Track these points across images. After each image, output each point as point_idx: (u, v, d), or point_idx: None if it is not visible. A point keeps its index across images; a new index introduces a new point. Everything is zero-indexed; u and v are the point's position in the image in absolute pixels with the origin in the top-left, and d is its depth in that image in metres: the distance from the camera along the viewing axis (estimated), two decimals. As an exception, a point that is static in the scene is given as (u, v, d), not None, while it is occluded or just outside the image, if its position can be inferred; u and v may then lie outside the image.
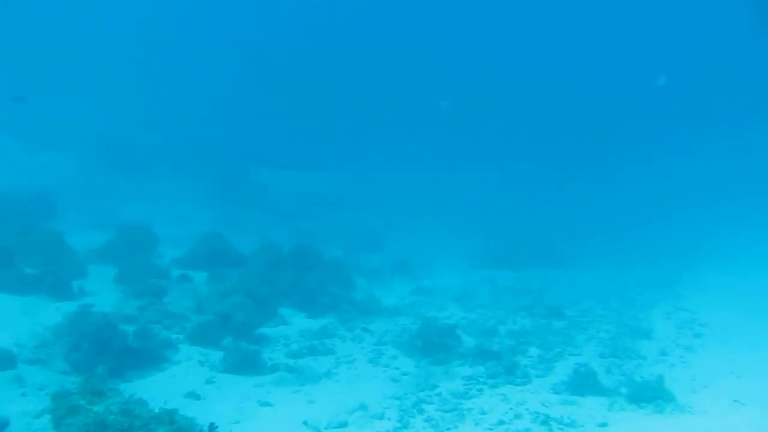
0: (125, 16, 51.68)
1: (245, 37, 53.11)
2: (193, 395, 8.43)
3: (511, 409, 8.31)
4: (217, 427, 5.74)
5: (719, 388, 8.70)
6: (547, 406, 8.35)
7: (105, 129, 35.28)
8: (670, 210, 27.64)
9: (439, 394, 8.84)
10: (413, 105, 46.63)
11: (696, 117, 41.22)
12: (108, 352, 8.92)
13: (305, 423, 7.79)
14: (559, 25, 50.43)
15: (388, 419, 7.97)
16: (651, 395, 8.11)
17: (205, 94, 47.60)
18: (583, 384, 8.79)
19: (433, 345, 10.67)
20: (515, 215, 27.56)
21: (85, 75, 44.85)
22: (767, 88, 40.59)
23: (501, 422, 7.88)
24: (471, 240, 23.53)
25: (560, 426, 7.73)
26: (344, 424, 7.80)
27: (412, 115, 46.03)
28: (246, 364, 9.63)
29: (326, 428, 7.71)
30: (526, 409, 8.27)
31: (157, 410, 5.83)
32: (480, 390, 9.04)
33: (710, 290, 15.56)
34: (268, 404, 8.36)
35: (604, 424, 7.74)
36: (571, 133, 42.15)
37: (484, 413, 8.17)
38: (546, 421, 7.85)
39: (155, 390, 8.49)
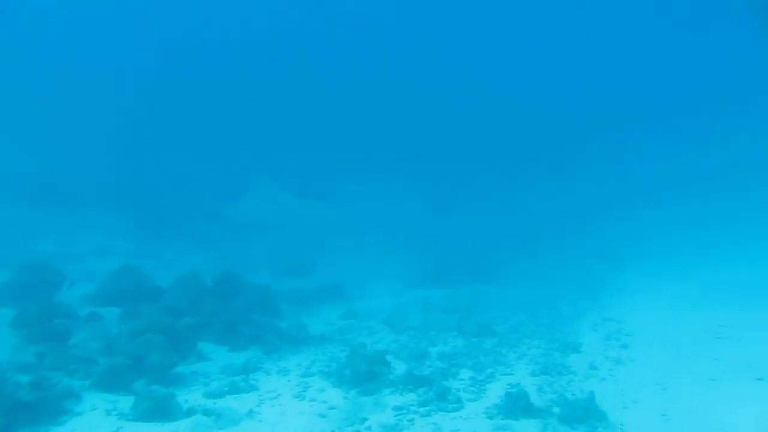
0: (44, 40, 49.23)
1: (161, 56, 51.58)
2: (96, 451, 7.61)
3: (443, 439, 7.94)
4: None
5: (648, 402, 8.65)
6: (480, 433, 8.03)
7: (21, 161, 33.18)
8: (595, 218, 28.45)
9: (368, 428, 8.37)
10: (347, 125, 46.48)
11: (619, 126, 43.00)
12: (-4, 409, 7.96)
13: (222, 473, 7.14)
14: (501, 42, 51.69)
15: (314, 461, 7.42)
16: (583, 414, 7.94)
17: (125, 119, 45.75)
18: (515, 406, 8.54)
19: (362, 374, 10.20)
20: (444, 234, 27.61)
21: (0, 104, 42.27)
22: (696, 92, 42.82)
23: (433, 455, 7.48)
24: (402, 260, 23.30)
25: (494, 454, 7.41)
26: (266, 471, 7.19)
27: (343, 138, 45.79)
28: (159, 409, 8.82)
29: (246, 477, 7.09)
30: (459, 439, 7.93)
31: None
32: (411, 420, 8.63)
33: (634, 297, 15.87)
34: (182, 454, 7.64)
35: (538, 449, 7.48)
36: (498, 144, 43.02)
37: (415, 446, 7.76)
38: (479, 449, 7.52)
39: (52, 449, 7.62)
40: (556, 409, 8.56)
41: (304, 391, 10.04)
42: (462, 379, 10.40)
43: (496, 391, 9.59)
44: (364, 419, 8.66)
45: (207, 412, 8.86)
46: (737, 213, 24.87)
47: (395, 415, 8.84)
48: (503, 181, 37.45)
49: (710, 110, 41.52)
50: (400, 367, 10.90)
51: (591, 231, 26.53)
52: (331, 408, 9.22)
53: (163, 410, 8.77)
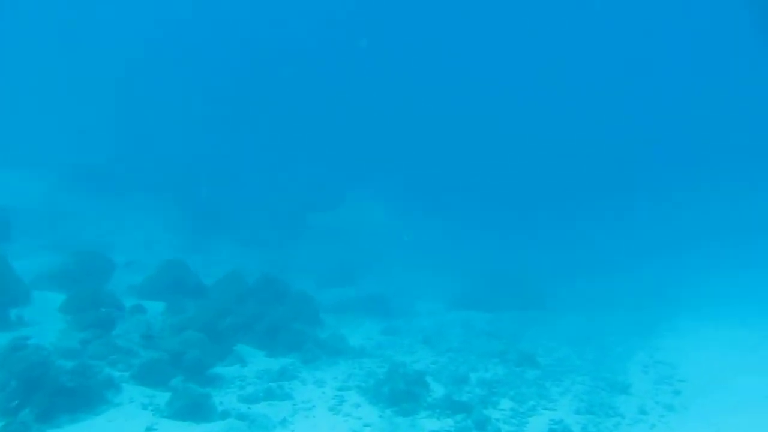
0: (106, 33, 51.06)
1: (226, 60, 52.72)
2: (130, 445, 7.59)
3: (480, 472, 7.61)
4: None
5: (703, 456, 8.10)
6: (519, 470, 7.66)
7: (79, 149, 34.41)
8: (652, 255, 27.41)
9: (402, 451, 8.10)
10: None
11: (682, 162, 41.64)
12: (39, 393, 8.05)
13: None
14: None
15: (345, 480, 7.21)
16: (632, 463, 7.48)
17: (184, 118, 46.80)
18: (558, 445, 8.12)
19: (400, 393, 9.95)
20: (494, 257, 27.08)
21: (62, 93, 43.92)
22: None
23: (468, 487, 7.16)
24: (446, 280, 22.93)
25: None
26: (295, 485, 7.02)
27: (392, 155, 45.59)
28: (194, 408, 8.79)
29: (274, 489, 6.92)
30: (497, 473, 7.58)
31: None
32: (447, 448, 8.33)
33: (689, 342, 15.07)
34: (212, 457, 7.54)
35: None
36: (554, 176, 42.19)
37: (450, 476, 7.45)
38: (518, 487, 7.16)
39: (87, 437, 7.64)
40: (601, 453, 8.12)
41: (340, 404, 9.85)
42: (502, 410, 10.02)
43: (537, 426, 9.19)
44: (399, 441, 8.41)
45: (241, 417, 8.77)
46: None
47: (431, 441, 8.55)
48: (560, 209, 36.59)
49: None
50: (438, 390, 10.59)
51: (647, 268, 25.53)
52: (366, 425, 9.00)
53: (198, 410, 8.73)
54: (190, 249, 25.03)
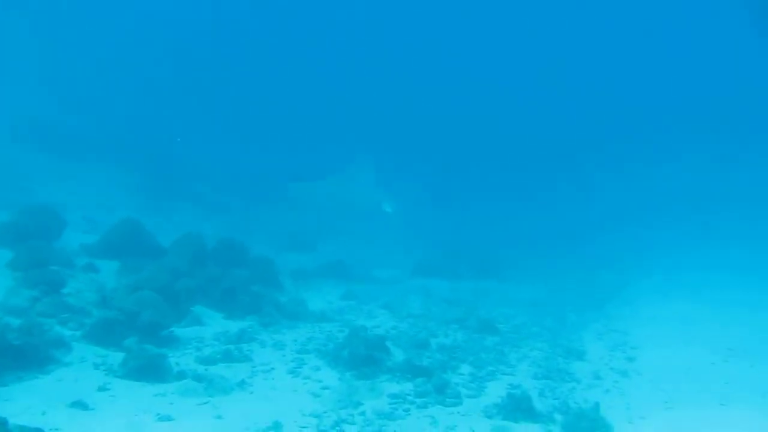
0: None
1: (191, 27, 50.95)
2: (80, 404, 7.31)
3: (439, 434, 7.63)
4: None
5: (655, 420, 8.29)
6: (477, 432, 7.71)
7: (32, 105, 32.83)
8: (608, 227, 27.99)
9: (362, 414, 8.06)
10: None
11: (639, 135, 42.39)
12: (-17, 350, 7.69)
13: (208, 443, 6.85)
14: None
15: (304, 441, 7.13)
16: (588, 425, 7.60)
17: (145, 78, 45.24)
18: (516, 408, 8.20)
19: (360, 357, 9.88)
20: (454, 227, 27.22)
21: (15, 48, 41.74)
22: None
23: (428, 449, 7.18)
24: (407, 248, 22.96)
25: (491, 455, 7.09)
26: (253, 446, 6.90)
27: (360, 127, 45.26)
28: (149, 369, 8.55)
29: (231, 450, 6.79)
30: (456, 435, 7.61)
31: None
32: (407, 410, 8.32)
33: (642, 310, 15.48)
34: (168, 418, 7.34)
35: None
36: (516, 143, 42.55)
37: (409, 438, 7.45)
38: (476, 449, 7.21)
39: (34, 396, 7.35)
40: (558, 416, 8.23)
41: (299, 367, 9.75)
42: (461, 374, 10.07)
43: (496, 390, 9.26)
44: (359, 404, 8.35)
45: (198, 378, 8.56)
46: (754, 231, 24.43)
47: (390, 403, 8.52)
48: (518, 180, 36.98)
49: (733, 120, 40.99)
50: (398, 355, 10.58)
51: (602, 239, 26.09)
52: (325, 388, 8.92)
53: (153, 370, 8.50)
54: (148, 211, 24.35)
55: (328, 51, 53.51)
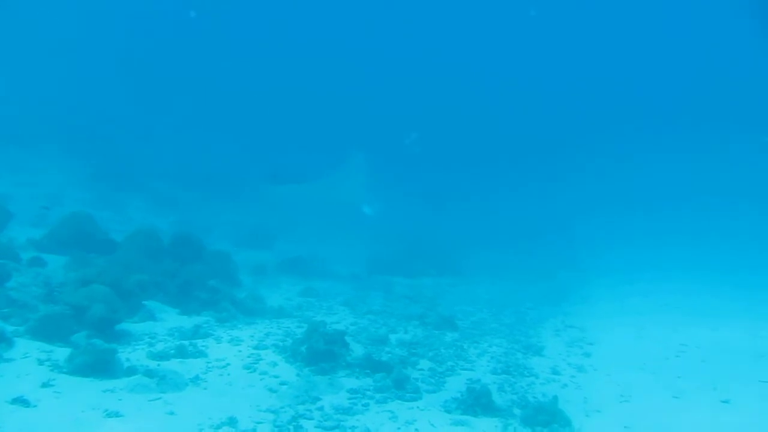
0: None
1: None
2: (22, 401, 6.94)
3: (399, 429, 7.52)
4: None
5: (610, 413, 8.39)
6: (438, 427, 7.63)
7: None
8: (567, 226, 28.44)
9: (320, 409, 7.90)
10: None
11: (601, 131, 43.10)
12: None
13: (158, 440, 6.59)
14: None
15: (259, 437, 6.94)
16: (546, 419, 7.61)
17: (102, 68, 43.97)
18: (476, 403, 8.17)
19: (319, 352, 9.71)
20: (414, 223, 27.23)
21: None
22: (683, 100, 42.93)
23: (386, 443, 7.07)
24: (369, 245, 22.85)
25: (450, 449, 7.04)
26: (206, 442, 6.67)
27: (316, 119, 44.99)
28: (97, 364, 8.18)
29: (184, 447, 6.54)
30: (416, 429, 7.52)
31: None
32: (366, 405, 8.19)
33: (598, 308, 15.76)
34: (116, 414, 7.03)
35: (496, 448, 7.13)
36: (475, 144, 42.87)
37: (368, 432, 7.33)
38: (435, 443, 7.13)
39: (-28, 394, 6.94)
40: (517, 410, 8.24)
41: (256, 363, 9.51)
42: (421, 369, 10.01)
43: (455, 385, 9.23)
44: (317, 399, 8.19)
45: (149, 373, 8.25)
46: (706, 229, 25.24)
47: (349, 398, 8.39)
48: (478, 178, 37.28)
49: (690, 120, 42.10)
50: (358, 350, 10.45)
51: (562, 237, 26.50)
52: (283, 383, 8.72)
53: (102, 366, 8.14)
54: (101, 204, 23.67)
55: (302, 48, 52.94)
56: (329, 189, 27.71)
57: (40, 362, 8.21)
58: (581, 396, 9.12)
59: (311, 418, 7.56)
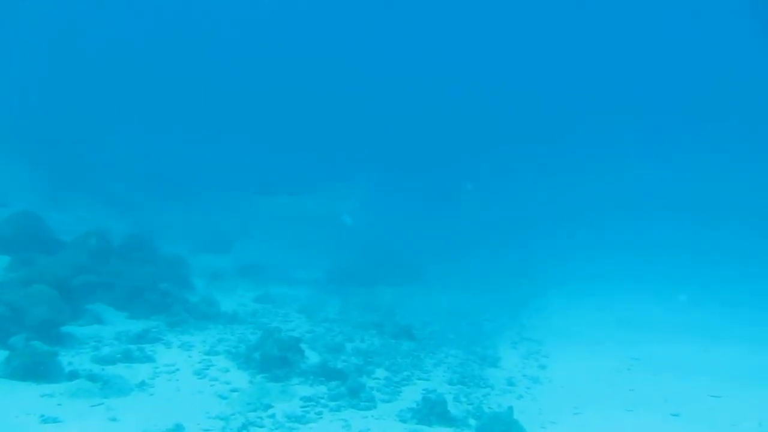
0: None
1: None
2: (-49, 405, 6.52)
3: (352, 437, 7.36)
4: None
5: (564, 425, 8.41)
6: (391, 436, 7.49)
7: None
8: (524, 238, 28.71)
9: (272, 416, 7.66)
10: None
11: (563, 140, 43.44)
12: None
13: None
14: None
15: (207, 445, 6.66)
16: (502, 429, 7.55)
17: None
18: (431, 412, 8.06)
19: (273, 359, 9.46)
20: (372, 232, 27.09)
21: None
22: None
23: (339, 453, 6.88)
24: (330, 252, 22.61)
25: (404, 459, 6.89)
26: (150, 450, 6.37)
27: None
28: (36, 367, 7.78)
29: (125, 455, 6.23)
30: (369, 439, 7.36)
31: None
32: (319, 413, 7.99)
33: (554, 320, 15.89)
34: (54, 420, 6.68)
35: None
36: (434, 155, 42.89)
37: (321, 441, 7.13)
38: (389, 453, 6.98)
39: None
40: (472, 421, 8.16)
41: (206, 369, 9.21)
42: (377, 378, 9.85)
43: (411, 395, 9.10)
44: (269, 406, 7.94)
45: (92, 378, 7.87)
46: (663, 240, 25.87)
47: (302, 406, 8.17)
48: (438, 187, 37.27)
49: (657, 128, 42.80)
50: (313, 358, 10.24)
51: (520, 248, 26.77)
52: (234, 390, 8.45)
53: (41, 369, 7.76)
54: (51, 206, 22.78)
55: (294, 49, 52.07)
56: (322, 203, 27.52)
57: (-26, 365, 7.75)
58: (536, 407, 9.11)
59: (262, 426, 7.32)
